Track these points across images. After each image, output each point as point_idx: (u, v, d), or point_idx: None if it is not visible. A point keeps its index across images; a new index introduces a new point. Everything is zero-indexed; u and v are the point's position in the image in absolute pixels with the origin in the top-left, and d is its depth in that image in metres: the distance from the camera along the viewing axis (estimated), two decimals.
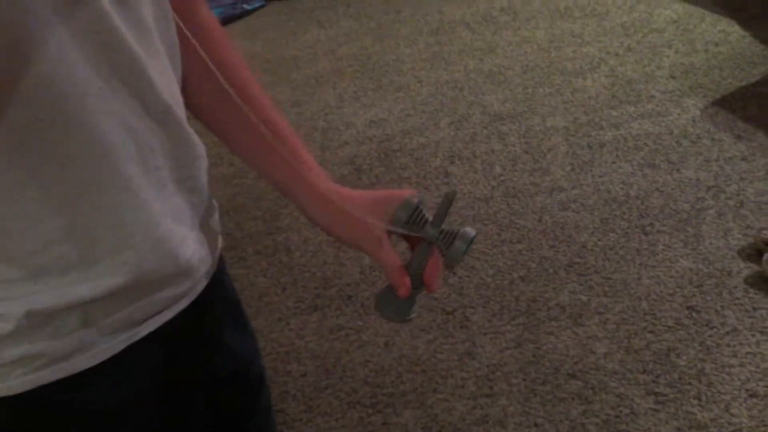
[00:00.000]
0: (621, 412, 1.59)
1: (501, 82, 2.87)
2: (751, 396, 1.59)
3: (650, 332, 1.76)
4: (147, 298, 0.64)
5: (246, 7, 3.77)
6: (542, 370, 1.70)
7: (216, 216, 0.75)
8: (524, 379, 1.68)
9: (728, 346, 1.71)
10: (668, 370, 1.67)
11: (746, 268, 1.91)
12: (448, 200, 0.70)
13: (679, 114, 2.56)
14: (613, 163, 2.35)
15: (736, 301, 1.82)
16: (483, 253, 2.05)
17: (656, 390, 1.63)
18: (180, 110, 0.65)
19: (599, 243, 2.04)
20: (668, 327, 1.77)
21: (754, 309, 1.80)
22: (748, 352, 1.69)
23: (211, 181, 0.71)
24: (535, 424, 1.59)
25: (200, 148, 0.69)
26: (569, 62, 2.96)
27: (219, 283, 0.75)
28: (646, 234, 2.05)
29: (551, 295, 1.89)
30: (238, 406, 0.82)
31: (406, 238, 0.74)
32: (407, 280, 0.71)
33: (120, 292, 0.61)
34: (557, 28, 3.25)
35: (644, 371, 1.67)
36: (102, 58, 0.56)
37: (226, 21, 3.70)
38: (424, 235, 0.70)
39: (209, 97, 0.71)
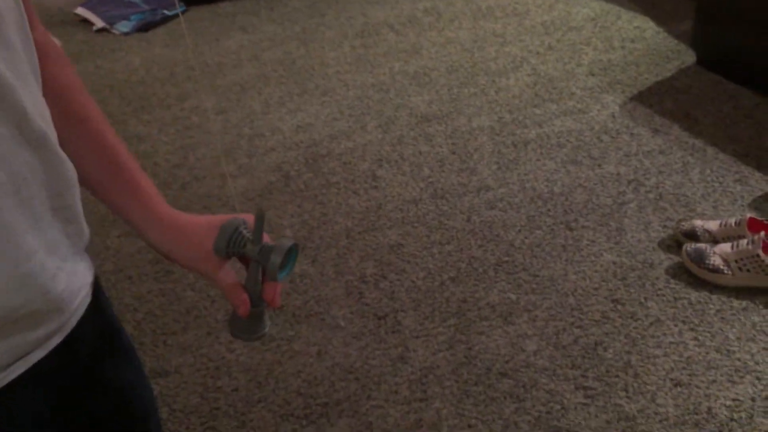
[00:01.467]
0: (552, 408, 1.62)
1: (426, 84, 2.88)
2: (675, 385, 1.64)
3: (578, 327, 1.80)
4: (15, 338, 0.61)
5: (166, 12, 3.69)
6: (474, 371, 1.71)
7: (86, 249, 0.72)
8: (457, 381, 1.69)
9: (652, 337, 1.76)
10: (596, 363, 1.70)
11: (667, 260, 1.96)
12: (260, 218, 0.74)
13: (599, 110, 2.62)
14: (538, 160, 2.39)
15: (659, 293, 1.87)
16: (413, 256, 2.05)
17: (585, 384, 1.66)
18: (53, 136, 0.63)
19: (526, 241, 2.07)
20: (595, 321, 1.81)
21: (676, 299, 1.85)
22: (671, 342, 1.74)
23: None
24: (469, 426, 1.60)
25: (74, 174, 0.67)
26: (492, 62, 3.00)
27: (95, 312, 0.73)
28: (570, 230, 2.09)
29: (481, 294, 1.91)
30: None
31: (241, 260, 0.78)
32: (245, 297, 0.74)
33: None
34: (480, 28, 3.28)
35: (573, 366, 1.70)
36: None
37: (146, 27, 3.61)
38: (246, 253, 0.74)
39: (55, 121, 0.68)
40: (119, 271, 2.09)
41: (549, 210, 2.17)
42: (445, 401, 1.65)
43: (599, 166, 2.34)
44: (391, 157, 2.47)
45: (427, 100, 2.77)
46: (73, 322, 0.68)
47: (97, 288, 0.75)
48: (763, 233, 1.84)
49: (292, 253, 0.75)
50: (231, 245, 0.74)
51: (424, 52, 3.12)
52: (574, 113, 2.62)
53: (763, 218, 1.93)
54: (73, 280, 0.66)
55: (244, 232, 0.75)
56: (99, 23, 3.64)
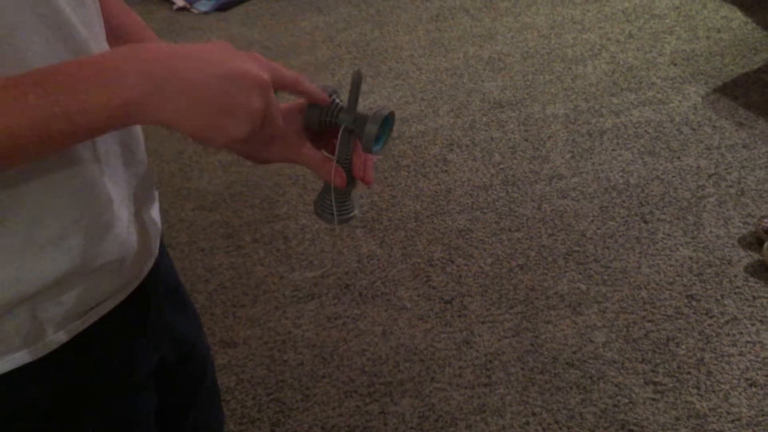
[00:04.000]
0: (619, 401, 1.58)
1: (501, 69, 2.85)
2: (750, 385, 1.58)
3: (649, 321, 1.75)
4: (93, 286, 0.63)
5: None
6: (540, 359, 1.69)
7: (157, 205, 0.73)
8: (522, 368, 1.67)
9: (728, 335, 1.70)
10: (667, 359, 1.66)
11: (746, 257, 1.89)
12: (356, 82, 0.66)
13: (680, 101, 2.54)
14: (613, 150, 2.34)
15: (737, 290, 1.81)
16: (481, 242, 2.03)
17: (655, 379, 1.62)
18: None
19: (598, 231, 2.03)
20: (668, 316, 1.76)
21: (754, 298, 1.78)
22: (747, 341, 1.68)
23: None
24: (533, 413, 1.58)
25: (140, 130, 0.69)
26: (570, 49, 2.94)
27: (160, 268, 0.76)
28: (645, 222, 2.04)
29: (550, 283, 1.88)
30: (186, 386, 0.84)
31: (327, 139, 0.70)
32: (339, 168, 0.67)
33: (66, 279, 0.60)
34: (558, 14, 3.22)
35: (643, 360, 1.66)
36: (55, 37, 0.55)
37: (225, 7, 3.67)
38: (339, 122, 0.66)
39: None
40: (192, 243, 2.15)
41: (623, 201, 2.12)
42: (509, 388, 1.63)
43: (678, 158, 2.27)
44: (462, 142, 2.45)
45: (501, 86, 2.73)
46: (144, 272, 0.71)
47: (162, 245, 0.77)
48: None
49: (388, 123, 0.67)
50: (324, 113, 0.66)
51: (499, 38, 3.08)
52: (653, 103, 2.54)
53: None
54: (144, 233, 0.68)
55: (337, 100, 0.68)
56: (179, 2, 3.72)
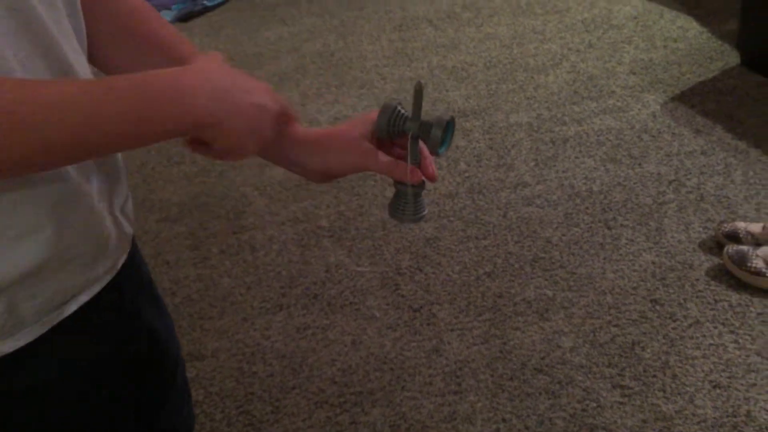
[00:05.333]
0: (588, 405, 1.60)
1: (464, 79, 2.87)
2: (714, 387, 1.62)
3: (615, 326, 1.78)
4: (67, 277, 0.64)
5: (206, 3, 3.72)
6: (509, 366, 1.70)
7: (130, 203, 0.76)
8: (492, 375, 1.69)
9: (691, 338, 1.73)
10: (633, 363, 1.69)
11: (707, 261, 1.93)
12: (418, 92, 0.73)
13: (639, 109, 2.59)
14: (576, 158, 2.37)
15: (698, 294, 1.85)
16: (449, 250, 2.04)
17: (622, 383, 1.64)
18: None
19: (563, 238, 2.05)
20: (632, 320, 1.79)
21: (716, 301, 1.82)
22: (710, 344, 1.72)
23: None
24: (503, 420, 1.59)
25: None
26: (532, 58, 2.98)
27: (134, 263, 0.78)
28: (609, 228, 2.07)
29: (517, 290, 1.90)
30: (158, 383, 0.84)
31: (389, 146, 0.78)
32: (413, 167, 0.74)
33: (42, 270, 0.61)
34: (519, 24, 3.26)
35: (610, 364, 1.69)
36: (24, 37, 0.56)
37: (186, 17, 3.65)
38: (407, 130, 0.74)
39: (123, 56, 0.75)
40: (157, 255, 2.12)
41: (587, 208, 2.16)
42: (479, 395, 1.64)
43: (639, 165, 2.31)
44: None
45: (465, 95, 2.76)
46: (118, 265, 0.73)
47: (134, 242, 0.80)
48: None
49: (450, 127, 0.76)
50: (392, 123, 0.74)
51: (462, 47, 3.11)
52: (614, 111, 2.59)
53: None
54: (118, 226, 0.71)
55: (402, 111, 0.75)
56: None
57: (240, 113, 0.63)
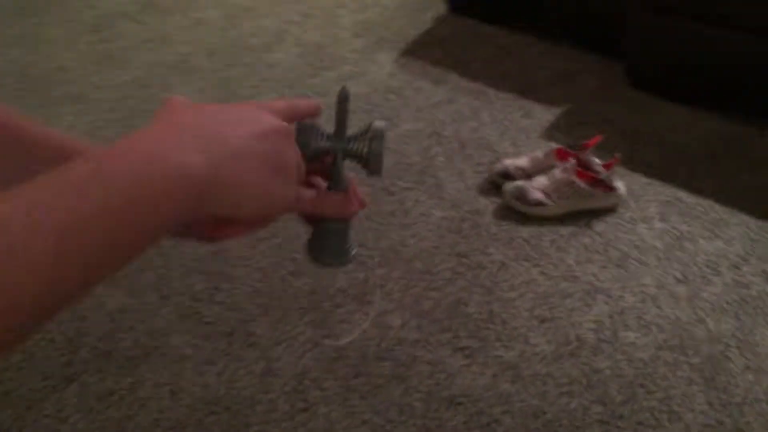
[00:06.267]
0: (438, 378, 1.57)
1: (189, 71, 2.64)
2: (541, 322, 1.67)
3: (433, 290, 1.76)
4: None
5: None
6: (349, 363, 1.60)
7: None
8: (335, 379, 1.57)
9: (504, 281, 1.78)
10: (464, 321, 1.68)
11: (491, 204, 2.00)
12: (343, 101, 0.61)
13: (376, 71, 2.59)
14: None
15: (494, 237, 1.90)
16: (241, 259, 1.86)
17: (460, 345, 1.63)
18: None
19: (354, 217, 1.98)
20: (447, 279, 1.78)
21: (511, 240, 1.89)
22: (522, 282, 1.77)
23: None
24: (364, 421, 1.49)
25: None
26: (252, 38, 2.83)
27: None
28: (392, 194, 2.04)
29: (328, 281, 1.79)
30: None
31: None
32: (350, 196, 0.63)
33: None
34: (227, 4, 3.08)
35: (443, 330, 1.67)
36: None
37: None
38: (334, 150, 0.62)
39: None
40: None
41: (362, 180, 2.10)
42: (330, 404, 1.52)
43: (396, 125, 2.31)
44: None
45: (197, 89, 2.54)
46: None
47: None
48: (573, 160, 1.93)
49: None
50: (315, 141, 0.60)
51: (174, 39, 2.85)
52: (353, 77, 2.56)
53: (560, 145, 2.03)
54: None
55: (322, 127, 0.62)
56: None
57: (242, 152, 0.49)
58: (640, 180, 2.05)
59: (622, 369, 1.57)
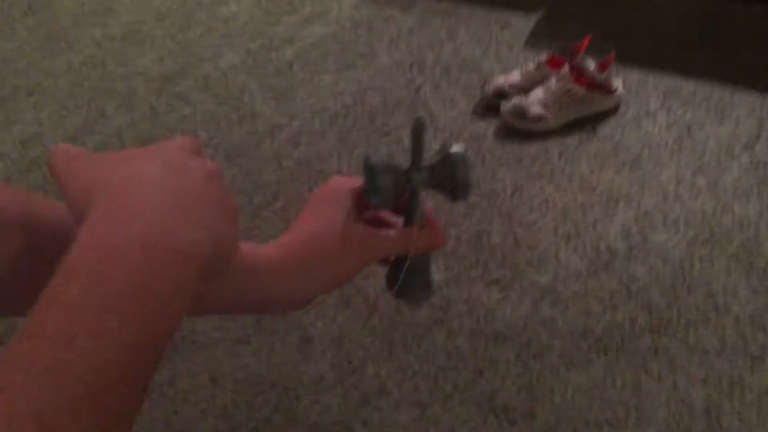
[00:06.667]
0: (479, 315, 1.53)
1: (143, 41, 2.49)
2: (568, 240, 1.64)
3: (452, 226, 1.71)
4: None
5: None
6: (385, 317, 1.56)
7: None
8: (374, 335, 1.53)
9: (523, 203, 1.73)
10: (490, 253, 1.64)
11: (490, 126, 1.93)
12: (418, 132, 0.57)
13: (339, 7, 2.47)
14: (311, 79, 2.20)
15: (500, 160, 1.84)
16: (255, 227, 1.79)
17: (492, 278, 1.59)
18: None
19: (351, 163, 1.91)
20: (463, 213, 1.73)
21: (519, 160, 1.83)
22: (540, 202, 1.73)
23: None
24: (414, 373, 1.46)
25: None
26: None
27: None
28: (387, 135, 1.97)
29: None
30: None
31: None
32: (437, 230, 0.63)
33: None
34: None
35: (472, 266, 1.62)
36: None
37: None
38: (417, 184, 0.59)
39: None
40: None
41: (354, 124, 2.02)
42: (376, 360, 1.48)
43: (373, 61, 2.21)
44: (154, 135, 2.11)
45: (157, 58, 2.39)
46: None
47: None
48: (566, 67, 1.86)
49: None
50: (396, 181, 0.57)
51: (118, 8, 2.68)
52: (316, 18, 2.43)
53: (550, 54, 1.95)
54: None
55: (391, 160, 0.59)
56: None
57: (184, 208, 0.45)
58: (635, 75, 1.99)
59: (659, 272, 1.55)
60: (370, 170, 0.58)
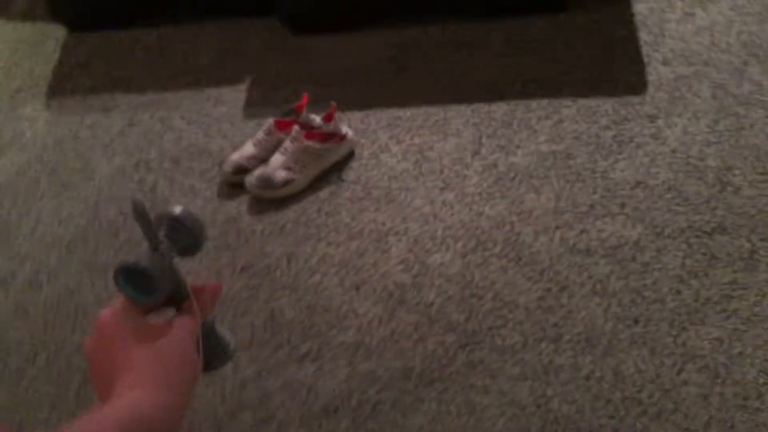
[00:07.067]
0: (302, 396, 1.48)
1: None
2: (357, 289, 1.65)
3: (242, 315, 1.63)
4: None
5: None
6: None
7: None
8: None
9: (300, 270, 1.71)
10: (289, 329, 1.59)
11: (241, 204, 1.89)
12: (141, 211, 0.60)
13: (32, 127, 2.26)
14: (29, 212, 1.98)
15: (264, 234, 1.81)
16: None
17: (301, 353, 1.55)
18: None
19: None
20: (245, 298, 1.67)
21: (282, 228, 1.81)
22: (317, 261, 1.72)
23: None
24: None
25: None
26: None
27: None
28: (138, 245, 1.83)
29: None
30: None
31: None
32: (201, 286, 0.65)
33: None
34: None
35: (276, 348, 1.56)
36: None
37: None
38: (169, 255, 0.62)
39: None
40: None
41: (97, 244, 1.85)
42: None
43: (93, 173, 2.05)
44: None
45: None
46: None
47: None
48: (295, 127, 1.89)
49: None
50: (162, 265, 0.61)
51: None
52: (10, 145, 2.20)
53: (274, 118, 1.95)
54: None
55: (138, 261, 0.60)
56: None
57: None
58: (356, 116, 2.07)
59: (447, 290, 1.63)
60: (142, 275, 0.58)
